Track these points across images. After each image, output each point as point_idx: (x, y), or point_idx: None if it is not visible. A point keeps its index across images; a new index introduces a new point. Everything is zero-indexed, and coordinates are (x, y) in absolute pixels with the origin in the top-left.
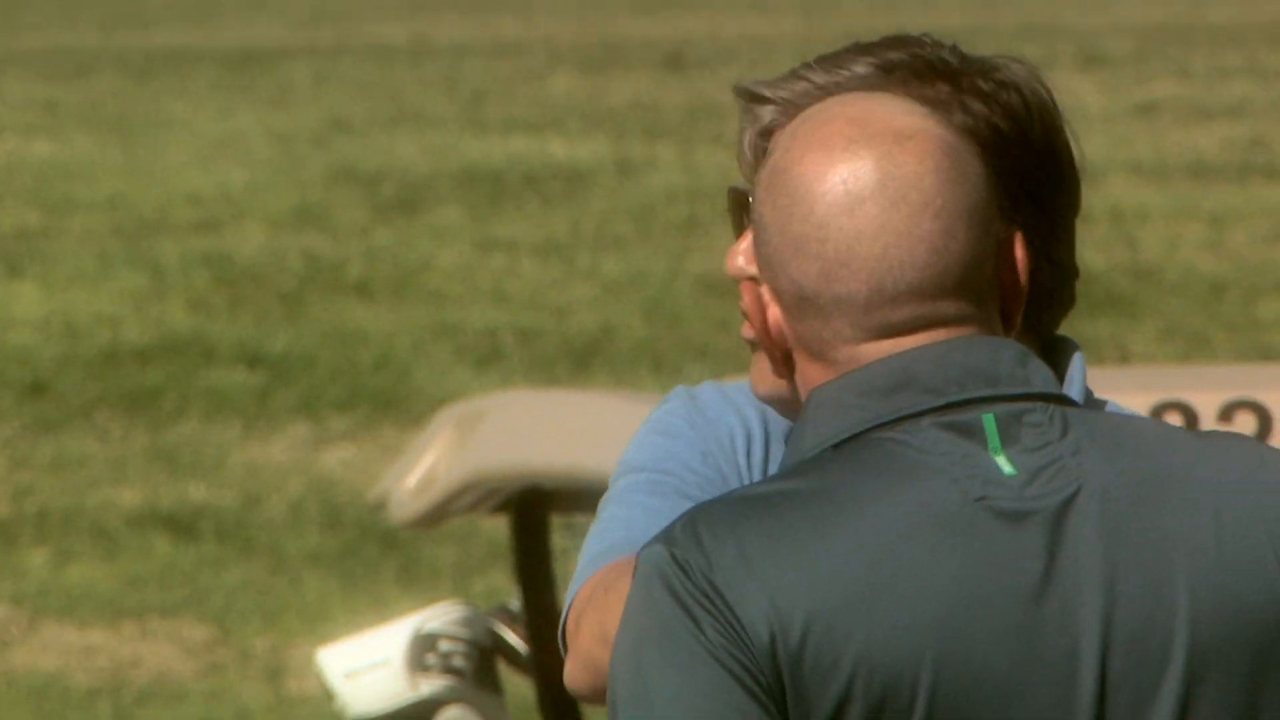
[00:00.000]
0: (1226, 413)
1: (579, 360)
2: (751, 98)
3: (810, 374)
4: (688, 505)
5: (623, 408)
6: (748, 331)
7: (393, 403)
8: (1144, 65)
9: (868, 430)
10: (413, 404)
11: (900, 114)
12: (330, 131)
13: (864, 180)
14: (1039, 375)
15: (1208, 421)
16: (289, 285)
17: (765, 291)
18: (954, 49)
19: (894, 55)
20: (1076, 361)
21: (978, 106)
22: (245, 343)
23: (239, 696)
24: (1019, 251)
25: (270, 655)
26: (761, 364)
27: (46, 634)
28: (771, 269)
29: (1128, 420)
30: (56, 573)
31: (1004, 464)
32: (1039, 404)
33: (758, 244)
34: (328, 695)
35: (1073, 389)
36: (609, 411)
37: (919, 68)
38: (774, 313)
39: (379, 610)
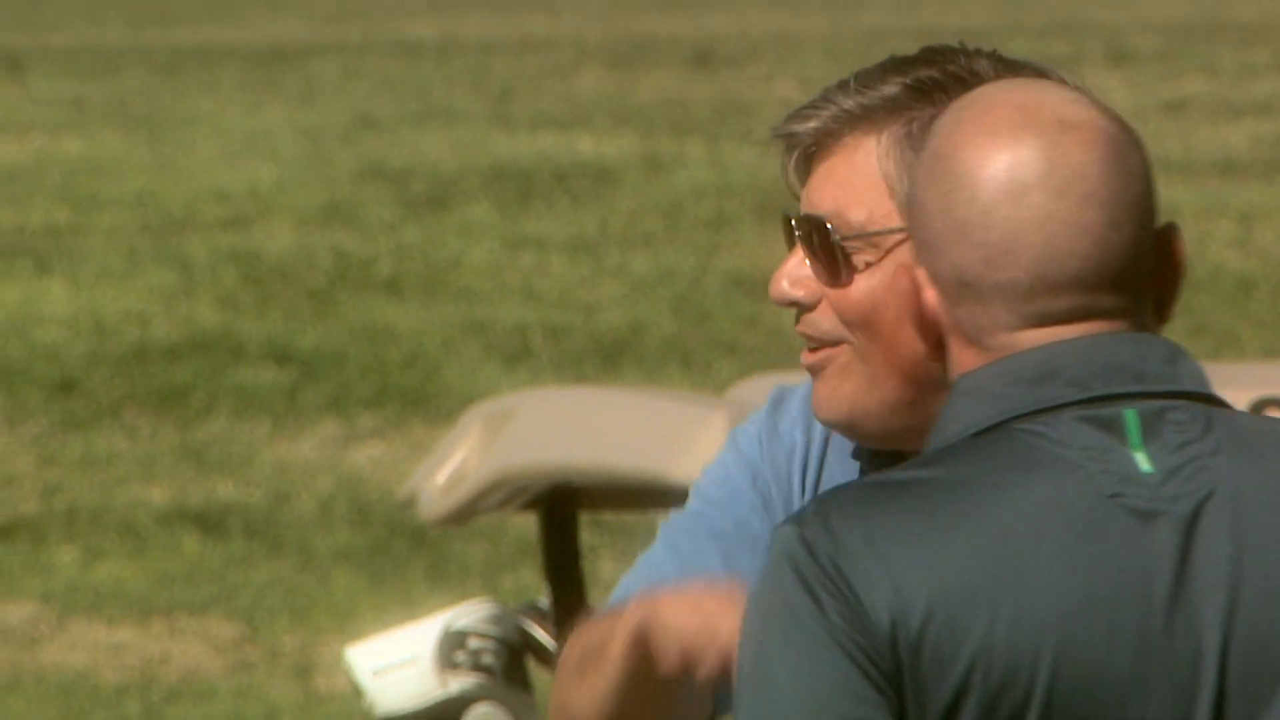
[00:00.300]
0: (1256, 410)
1: (608, 357)
2: (788, 139)
3: (963, 359)
4: (715, 546)
5: (651, 405)
6: (808, 358)
7: (422, 400)
8: (1172, 62)
9: (1008, 420)
10: (442, 401)
11: (1066, 103)
12: (358, 128)
13: (1030, 168)
14: (1188, 373)
15: None
16: (318, 282)
17: (921, 275)
18: (992, 57)
19: (925, 73)
20: None
21: None
22: (274, 340)
23: (268, 694)
24: (1178, 246)
25: (299, 653)
26: (821, 389)
27: (75, 631)
28: (931, 253)
29: (1274, 424)
30: (85, 570)
31: (1142, 461)
32: (1183, 402)
33: (916, 228)
34: (356, 692)
35: None
36: (638, 409)
37: (948, 83)
38: (930, 296)
39: (408, 608)
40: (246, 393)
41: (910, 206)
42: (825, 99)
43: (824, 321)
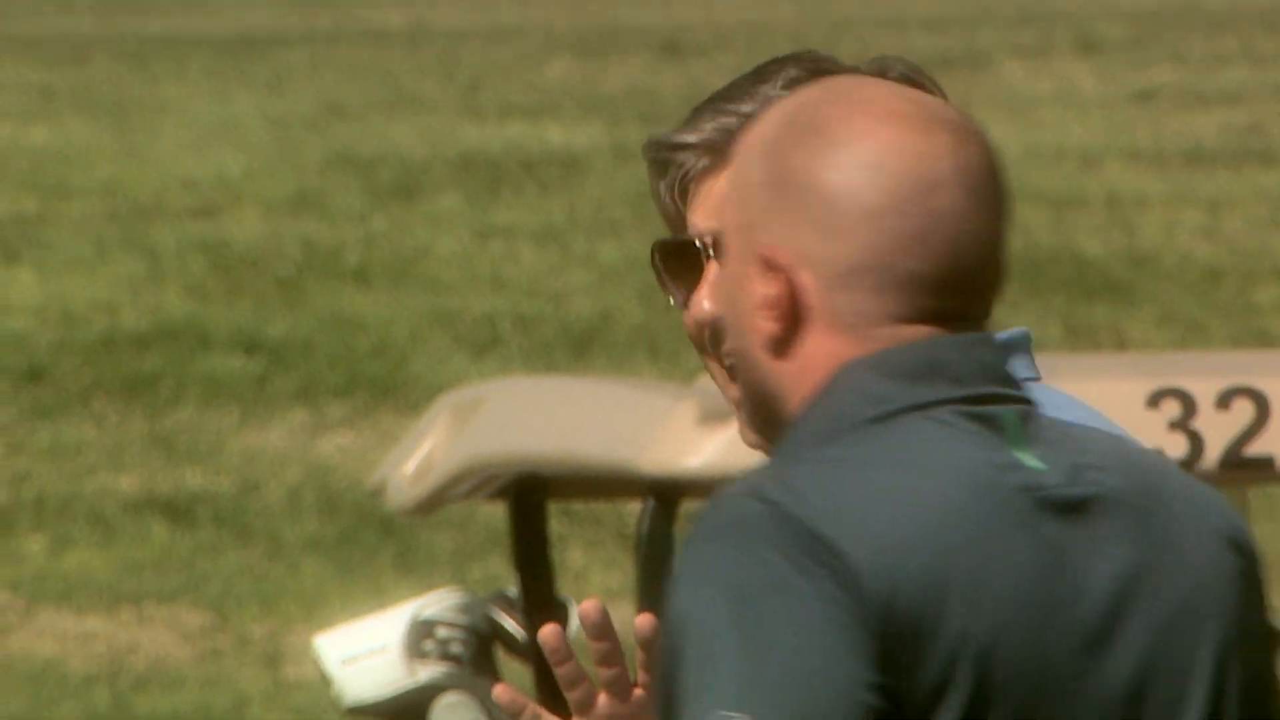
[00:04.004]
0: (1224, 399)
1: (577, 346)
2: (672, 148)
3: (830, 347)
4: None
5: (620, 394)
6: (731, 390)
7: (391, 389)
8: (1141, 51)
9: (897, 412)
10: (410, 390)
11: (949, 107)
12: (327, 117)
13: (944, 163)
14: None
15: (1205, 408)
16: (286, 271)
17: (787, 255)
18: (910, 67)
19: (794, 71)
20: None
21: None
22: (243, 329)
23: (236, 682)
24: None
25: (267, 641)
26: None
27: (44, 620)
28: (822, 235)
29: (1097, 431)
30: (54, 559)
31: (1028, 459)
32: (1028, 407)
33: (792, 210)
34: (325, 681)
35: None
36: (606, 398)
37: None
38: (805, 279)
39: (376, 597)
40: (215, 381)
41: (782, 189)
42: (712, 112)
43: None
